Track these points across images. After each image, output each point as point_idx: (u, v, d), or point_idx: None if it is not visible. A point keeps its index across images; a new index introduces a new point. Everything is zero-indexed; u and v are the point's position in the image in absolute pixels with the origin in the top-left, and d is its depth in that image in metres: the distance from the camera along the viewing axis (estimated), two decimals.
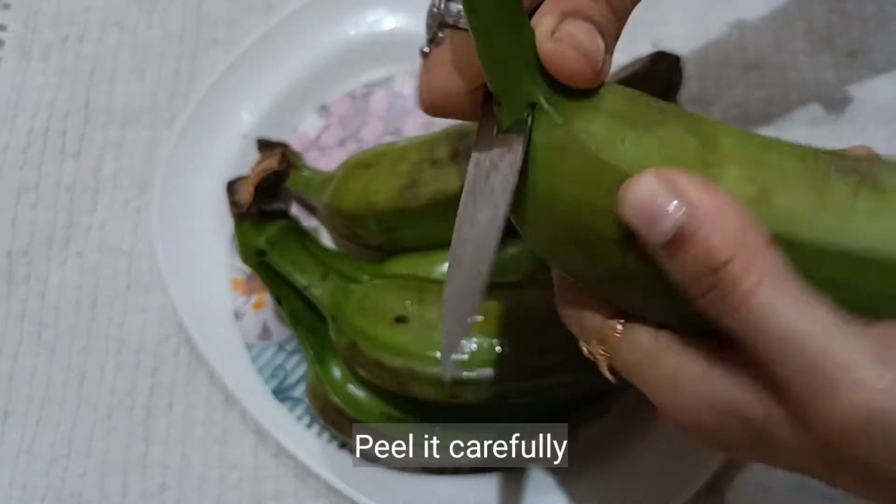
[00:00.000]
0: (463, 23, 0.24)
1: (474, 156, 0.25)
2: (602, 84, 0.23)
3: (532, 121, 0.23)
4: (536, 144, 0.23)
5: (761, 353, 0.20)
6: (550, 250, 0.25)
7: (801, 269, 0.20)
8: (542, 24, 0.22)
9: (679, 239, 0.21)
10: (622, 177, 0.21)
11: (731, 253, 0.20)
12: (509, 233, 0.24)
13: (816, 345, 0.19)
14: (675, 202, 0.20)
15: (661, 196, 0.21)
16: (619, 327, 0.25)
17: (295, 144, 0.46)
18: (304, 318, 0.40)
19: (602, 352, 0.25)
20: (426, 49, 0.26)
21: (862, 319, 0.20)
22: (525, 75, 0.23)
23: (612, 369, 0.26)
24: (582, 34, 0.22)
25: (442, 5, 0.25)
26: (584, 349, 0.26)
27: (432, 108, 0.26)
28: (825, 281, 0.20)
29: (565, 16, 0.22)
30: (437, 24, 0.25)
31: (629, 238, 0.22)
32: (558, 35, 0.22)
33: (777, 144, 0.23)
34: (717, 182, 0.21)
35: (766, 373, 0.21)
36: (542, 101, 0.23)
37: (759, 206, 0.21)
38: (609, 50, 0.23)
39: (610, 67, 0.23)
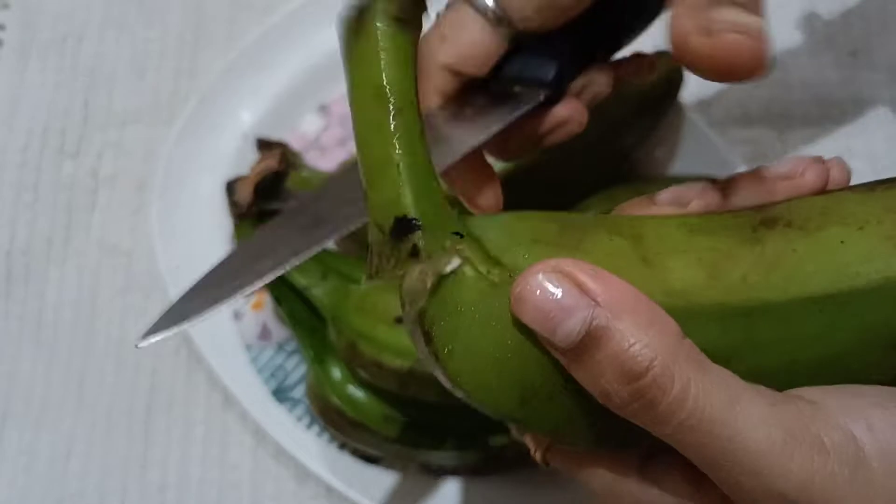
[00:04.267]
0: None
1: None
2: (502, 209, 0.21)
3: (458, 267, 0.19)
4: (465, 299, 0.19)
5: (703, 460, 0.18)
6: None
7: (763, 331, 0.19)
8: (681, 18, 0.19)
9: (589, 340, 0.18)
10: None
11: (650, 355, 0.17)
12: None
13: (754, 446, 0.18)
14: (577, 296, 0.18)
15: (560, 292, 0.18)
16: None
17: (294, 144, 0.46)
18: (304, 318, 0.40)
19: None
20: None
21: (784, 393, 0.19)
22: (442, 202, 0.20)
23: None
24: (739, 16, 0.19)
25: None
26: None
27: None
28: (787, 338, 0.20)
29: (709, 3, 0.19)
30: None
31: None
32: (711, 25, 0.19)
33: (694, 222, 0.22)
34: (668, 275, 0.20)
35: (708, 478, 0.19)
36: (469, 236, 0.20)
37: (713, 284, 0.20)
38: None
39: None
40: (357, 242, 0.43)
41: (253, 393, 0.41)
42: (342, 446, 0.40)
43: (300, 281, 0.39)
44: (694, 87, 0.48)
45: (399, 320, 0.36)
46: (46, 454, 0.42)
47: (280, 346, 0.42)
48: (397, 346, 0.36)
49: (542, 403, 0.19)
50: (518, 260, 0.20)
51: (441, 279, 0.19)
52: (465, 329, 0.19)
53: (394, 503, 0.39)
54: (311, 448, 0.40)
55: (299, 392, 0.41)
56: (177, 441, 0.42)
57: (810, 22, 0.50)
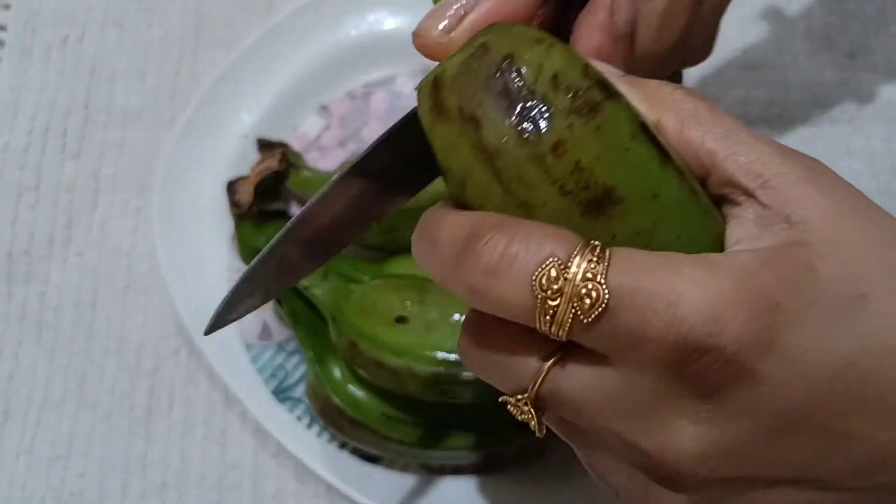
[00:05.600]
0: None
1: None
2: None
3: None
4: None
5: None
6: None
7: None
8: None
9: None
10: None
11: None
12: None
13: None
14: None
15: None
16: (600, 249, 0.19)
17: (295, 144, 0.46)
18: (304, 318, 0.40)
19: (582, 286, 0.18)
20: None
21: None
22: None
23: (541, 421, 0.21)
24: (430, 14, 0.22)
25: None
26: (510, 401, 0.21)
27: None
28: None
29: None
30: None
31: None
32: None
33: None
34: None
35: None
36: None
37: None
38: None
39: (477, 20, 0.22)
40: (357, 242, 0.43)
41: (253, 392, 0.41)
42: (342, 445, 0.40)
43: (301, 281, 0.39)
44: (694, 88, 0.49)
45: (399, 320, 0.36)
46: (47, 454, 0.42)
47: (280, 346, 0.43)
48: (397, 345, 0.36)
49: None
50: None
51: None
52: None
53: (394, 502, 0.39)
54: (312, 447, 0.40)
55: (299, 391, 0.41)
56: (177, 440, 0.42)
57: (809, 23, 0.51)
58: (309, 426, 0.40)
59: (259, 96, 0.47)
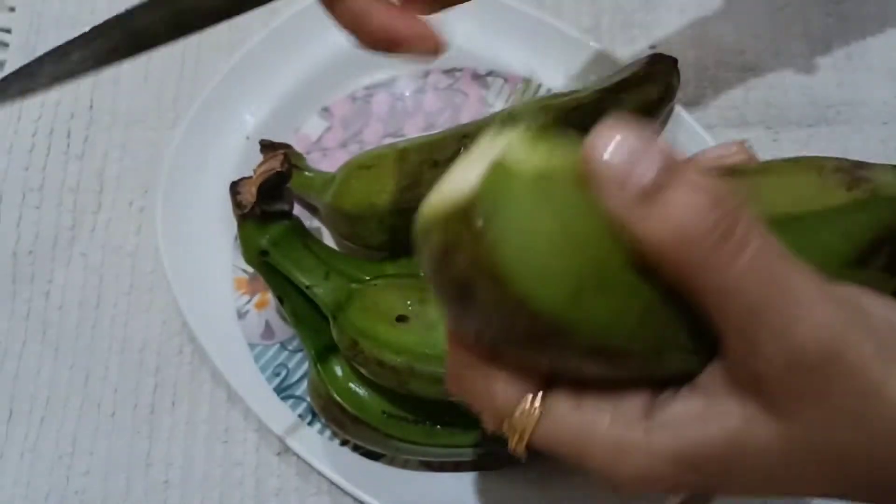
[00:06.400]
0: None
1: None
2: None
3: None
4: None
5: (755, 305, 0.19)
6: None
7: None
8: None
9: (667, 177, 0.18)
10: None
11: (726, 188, 0.19)
12: None
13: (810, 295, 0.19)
14: (648, 142, 0.19)
15: (632, 140, 0.19)
16: (538, 404, 0.22)
17: (297, 146, 0.47)
18: (306, 317, 0.40)
19: (517, 432, 0.22)
20: None
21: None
22: None
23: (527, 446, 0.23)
24: None
25: None
26: (489, 427, 0.23)
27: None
28: None
29: None
30: None
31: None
32: None
33: None
34: None
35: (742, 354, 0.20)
36: None
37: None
38: None
39: None
40: (359, 243, 0.43)
41: (256, 391, 0.41)
42: (344, 443, 0.41)
43: (303, 280, 0.39)
44: (690, 90, 0.49)
45: (400, 319, 0.37)
46: (51, 452, 0.42)
47: (283, 345, 0.43)
48: (397, 343, 0.36)
49: (593, 296, 0.19)
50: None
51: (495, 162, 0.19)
52: (520, 211, 0.18)
53: (395, 499, 0.39)
54: (314, 445, 0.40)
55: (301, 389, 0.42)
56: (180, 438, 0.42)
57: (805, 24, 0.51)
58: (311, 424, 0.41)
59: (261, 98, 0.47)
